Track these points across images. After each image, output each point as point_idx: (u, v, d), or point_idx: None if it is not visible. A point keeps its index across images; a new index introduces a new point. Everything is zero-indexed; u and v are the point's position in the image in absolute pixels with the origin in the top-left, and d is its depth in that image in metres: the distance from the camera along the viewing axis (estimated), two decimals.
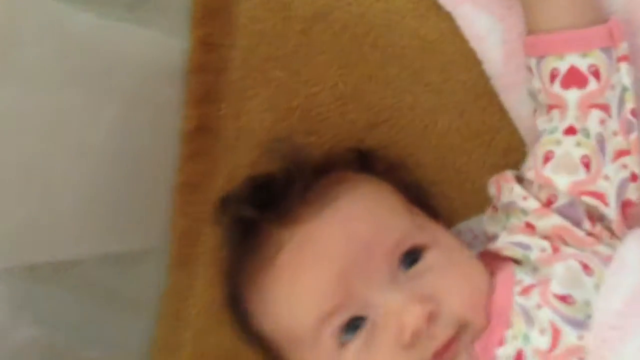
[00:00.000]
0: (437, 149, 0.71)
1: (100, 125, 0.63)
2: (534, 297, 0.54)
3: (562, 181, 0.57)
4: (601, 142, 0.57)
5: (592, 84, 0.56)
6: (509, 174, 0.62)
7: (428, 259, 0.57)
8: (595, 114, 0.57)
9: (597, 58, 0.56)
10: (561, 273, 0.55)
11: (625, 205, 0.58)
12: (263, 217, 0.60)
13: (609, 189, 0.57)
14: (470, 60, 0.68)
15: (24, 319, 0.61)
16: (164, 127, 0.73)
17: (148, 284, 0.75)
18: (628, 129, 0.57)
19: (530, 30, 0.61)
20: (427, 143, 0.71)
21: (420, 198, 0.66)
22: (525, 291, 0.55)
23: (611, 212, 0.57)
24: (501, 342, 0.53)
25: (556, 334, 0.52)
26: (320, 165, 0.64)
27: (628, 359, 0.49)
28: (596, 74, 0.57)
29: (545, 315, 0.53)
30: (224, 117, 0.73)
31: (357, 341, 0.55)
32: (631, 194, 0.58)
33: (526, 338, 0.53)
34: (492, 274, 0.58)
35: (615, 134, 0.57)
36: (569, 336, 0.52)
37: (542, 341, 0.52)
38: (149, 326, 0.75)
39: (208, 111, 0.73)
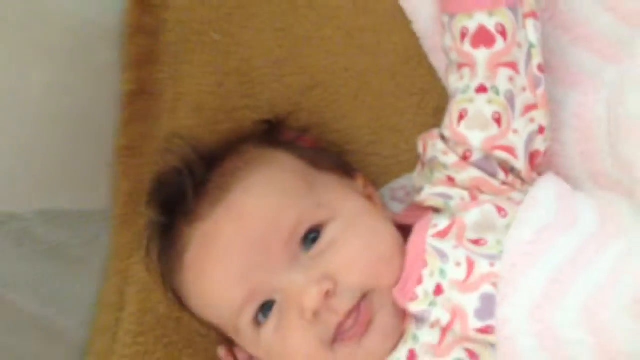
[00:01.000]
0: (371, 110, 0.74)
1: (33, 83, 0.67)
2: (450, 240, 0.59)
3: (476, 138, 0.60)
4: (510, 98, 0.60)
5: (499, 43, 0.59)
6: (435, 132, 0.65)
7: (328, 235, 0.60)
8: (504, 72, 0.59)
9: (503, 16, 0.59)
10: (476, 217, 0.59)
11: (533, 156, 0.62)
12: (169, 218, 0.64)
13: (518, 142, 0.60)
14: (400, 20, 0.72)
15: None
16: (105, 89, 0.76)
17: (94, 243, 0.78)
18: (535, 84, 0.60)
19: None
20: (362, 104, 0.75)
21: (334, 160, 0.69)
22: (441, 234, 0.59)
23: (520, 163, 0.61)
24: (419, 281, 0.58)
25: (470, 266, 0.57)
26: (222, 147, 0.67)
27: (535, 281, 0.54)
28: (503, 33, 0.59)
29: (461, 253, 0.58)
30: (161, 81, 0.76)
31: (270, 322, 0.60)
32: (539, 145, 0.61)
33: (442, 272, 0.58)
34: (413, 225, 0.62)
35: (523, 89, 0.60)
36: (483, 266, 0.57)
37: (457, 272, 0.57)
38: (95, 283, 0.78)
39: (146, 74, 0.76)
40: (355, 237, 0.59)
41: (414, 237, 0.61)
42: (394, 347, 0.59)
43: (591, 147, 0.64)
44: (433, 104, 0.73)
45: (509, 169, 0.61)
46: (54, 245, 0.74)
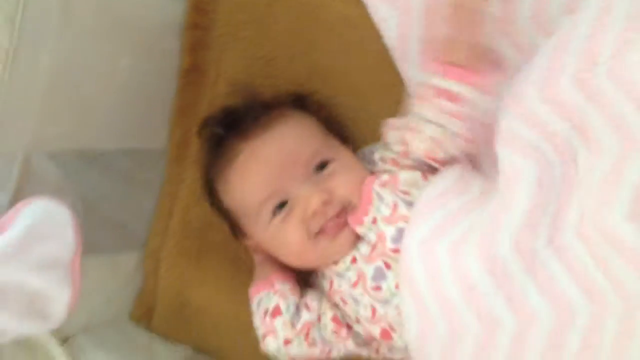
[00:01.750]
0: (356, 95, 0.96)
1: (120, 66, 0.90)
2: (388, 189, 0.83)
3: (418, 149, 0.82)
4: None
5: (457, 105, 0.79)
6: (393, 121, 0.87)
7: (331, 167, 0.86)
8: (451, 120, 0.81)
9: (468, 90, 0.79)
10: (406, 176, 0.84)
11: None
12: (228, 134, 0.90)
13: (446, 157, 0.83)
14: (377, 35, 0.93)
15: (72, 190, 0.89)
16: (168, 67, 1.00)
17: (155, 172, 1.03)
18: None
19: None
20: (350, 91, 0.96)
21: (336, 129, 0.94)
22: (383, 184, 0.84)
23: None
24: (366, 213, 0.82)
25: (395, 207, 0.81)
26: (269, 103, 0.92)
27: (428, 225, 0.77)
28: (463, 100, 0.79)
29: (391, 198, 0.82)
30: (209, 61, 0.99)
31: (281, 215, 0.84)
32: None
33: (378, 209, 0.82)
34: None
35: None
36: (402, 209, 0.80)
37: (386, 210, 0.81)
38: (154, 200, 1.03)
39: (198, 57, 0.99)
40: (347, 171, 0.85)
41: (366, 184, 0.85)
42: (349, 250, 0.83)
43: None
44: (399, 95, 0.91)
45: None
46: (128, 172, 0.96)
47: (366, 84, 0.96)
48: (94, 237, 0.90)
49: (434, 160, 0.83)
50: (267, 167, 0.85)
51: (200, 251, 1.00)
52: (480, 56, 0.80)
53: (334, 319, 0.85)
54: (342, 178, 0.85)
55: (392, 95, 0.94)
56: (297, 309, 0.86)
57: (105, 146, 0.93)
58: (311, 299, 0.87)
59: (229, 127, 0.90)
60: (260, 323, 0.87)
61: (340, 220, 0.83)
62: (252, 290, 0.91)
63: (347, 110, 0.96)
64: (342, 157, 0.88)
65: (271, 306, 0.87)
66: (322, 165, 0.86)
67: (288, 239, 0.84)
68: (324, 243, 0.83)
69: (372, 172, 0.88)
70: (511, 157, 0.72)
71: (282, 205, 0.84)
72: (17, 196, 0.79)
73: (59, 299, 0.73)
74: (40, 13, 0.78)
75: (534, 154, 0.71)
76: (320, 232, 0.83)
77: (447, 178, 0.83)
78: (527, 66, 0.75)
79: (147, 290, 1.03)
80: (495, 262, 0.70)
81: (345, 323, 0.86)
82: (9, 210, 0.72)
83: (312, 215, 0.82)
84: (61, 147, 0.86)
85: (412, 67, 0.92)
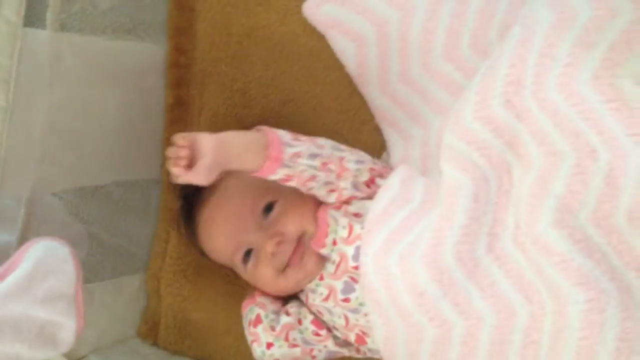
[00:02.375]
0: (323, 119, 1.04)
1: (110, 102, 0.96)
2: (341, 211, 0.91)
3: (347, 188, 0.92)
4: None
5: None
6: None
7: (276, 209, 0.92)
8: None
9: None
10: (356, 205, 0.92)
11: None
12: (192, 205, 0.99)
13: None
14: (340, 63, 1.01)
15: (76, 220, 0.96)
16: (155, 103, 1.05)
17: (151, 199, 1.08)
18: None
19: None
20: (317, 115, 1.04)
21: None
22: (336, 207, 0.92)
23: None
24: (325, 235, 0.89)
25: (350, 228, 0.88)
26: None
27: (378, 240, 0.82)
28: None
29: (346, 220, 0.89)
30: (192, 96, 1.05)
31: (250, 261, 0.93)
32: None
33: (335, 231, 0.89)
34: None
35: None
36: (357, 229, 0.87)
37: (343, 232, 0.88)
38: (153, 225, 1.08)
39: (181, 92, 1.05)
40: (291, 208, 0.92)
41: (321, 209, 0.92)
42: (318, 271, 0.90)
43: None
44: (363, 116, 1.03)
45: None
46: (126, 202, 1.01)
47: (334, 108, 1.03)
48: (100, 263, 0.98)
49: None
50: (220, 229, 0.94)
51: (196, 271, 1.06)
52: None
53: (314, 322, 0.93)
54: (289, 216, 0.92)
55: (360, 116, 1.02)
56: (277, 315, 0.95)
57: (102, 180, 0.98)
58: (291, 306, 0.95)
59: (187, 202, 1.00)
60: (247, 333, 0.96)
61: (300, 250, 0.90)
62: (242, 307, 1.00)
63: (320, 133, 1.01)
64: (285, 194, 0.93)
65: (253, 316, 0.95)
66: (269, 208, 0.93)
67: (262, 278, 0.92)
68: (293, 273, 0.90)
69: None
70: (452, 172, 0.78)
71: (248, 252, 0.93)
72: (25, 234, 0.86)
73: (66, 326, 0.79)
74: (32, 70, 0.84)
75: (472, 169, 0.77)
76: (288, 265, 0.90)
77: (389, 190, 0.89)
78: (466, 90, 0.82)
79: (151, 309, 1.08)
80: (441, 270, 0.76)
81: (325, 325, 0.93)
82: (16, 252, 0.80)
83: (272, 257, 0.90)
84: (62, 185, 0.90)
85: (373, 90, 1.00)
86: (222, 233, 0.95)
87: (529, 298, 0.73)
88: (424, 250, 0.77)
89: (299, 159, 0.88)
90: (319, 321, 0.94)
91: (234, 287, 1.07)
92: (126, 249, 1.05)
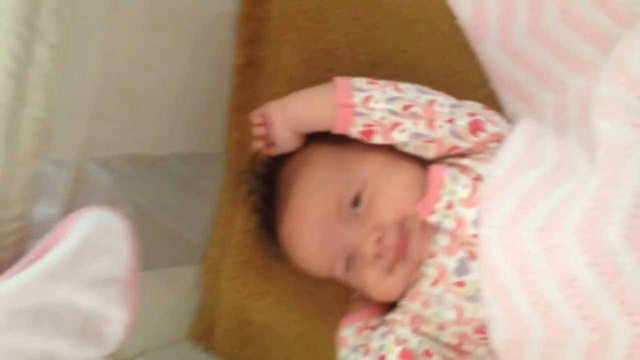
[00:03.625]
0: (424, 84, 0.86)
1: (172, 60, 0.86)
2: (462, 173, 0.76)
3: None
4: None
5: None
6: None
7: (365, 199, 0.78)
8: None
9: None
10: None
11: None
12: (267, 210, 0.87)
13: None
14: (449, 15, 0.86)
15: (126, 199, 0.85)
16: (224, 63, 0.95)
17: (213, 177, 0.98)
18: None
19: None
20: (417, 80, 0.87)
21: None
22: (452, 168, 0.76)
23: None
24: (437, 199, 0.74)
25: (475, 187, 0.74)
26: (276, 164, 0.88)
27: (504, 208, 0.69)
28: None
29: (468, 178, 0.75)
30: (266, 56, 0.94)
31: (354, 267, 0.80)
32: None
33: (453, 192, 0.74)
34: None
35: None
36: (482, 190, 0.73)
37: (464, 192, 0.74)
38: (212, 208, 0.98)
39: (254, 51, 0.94)
40: (380, 193, 0.77)
41: (434, 166, 0.77)
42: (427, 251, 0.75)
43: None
44: (475, 80, 0.87)
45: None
46: (185, 178, 0.93)
47: (438, 70, 0.89)
48: (149, 250, 0.85)
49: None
50: (308, 242, 0.82)
51: (264, 262, 0.94)
52: None
53: (402, 355, 0.78)
54: (382, 201, 0.78)
55: (466, 82, 0.88)
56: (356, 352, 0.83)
57: (159, 151, 0.90)
58: (374, 338, 0.81)
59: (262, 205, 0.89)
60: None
61: (405, 239, 0.76)
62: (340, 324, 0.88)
63: None
64: (372, 174, 0.80)
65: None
66: (356, 200, 0.79)
67: (368, 284, 0.80)
68: (402, 268, 0.77)
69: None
70: (616, 128, 0.63)
71: (349, 259, 0.81)
72: (69, 206, 0.74)
73: (115, 319, 0.67)
74: (87, 7, 0.72)
75: None
76: (397, 260, 0.77)
77: (510, 148, 0.75)
78: (628, 32, 0.66)
79: (207, 307, 0.97)
80: (603, 251, 0.61)
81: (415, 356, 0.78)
82: (60, 222, 0.66)
83: (374, 258, 0.77)
84: (114, 152, 0.82)
85: (490, 47, 0.84)
86: (311, 247, 0.82)
87: None
88: (578, 222, 0.63)
89: (375, 103, 0.79)
90: (408, 352, 0.78)
91: (309, 284, 0.93)
92: (181, 233, 0.96)
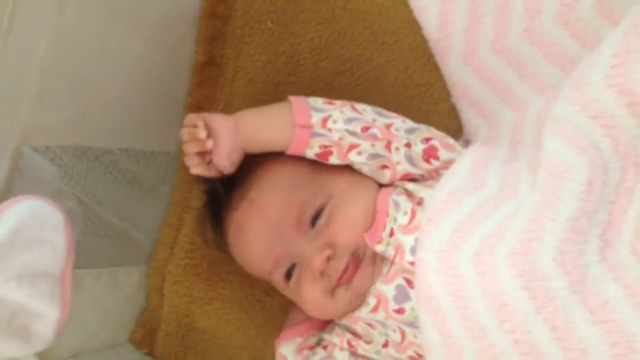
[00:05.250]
0: (386, 95, 0.89)
1: (128, 52, 0.81)
2: (404, 197, 0.75)
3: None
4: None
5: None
6: None
7: (327, 211, 0.77)
8: None
9: None
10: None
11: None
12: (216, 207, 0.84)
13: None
14: (415, 26, 0.86)
15: (69, 193, 0.81)
16: (182, 59, 0.91)
17: (163, 176, 0.94)
18: None
19: None
20: (379, 90, 0.89)
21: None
22: (398, 193, 0.76)
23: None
24: (384, 228, 0.73)
25: (413, 213, 0.72)
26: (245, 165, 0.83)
27: (442, 232, 0.67)
28: None
29: (409, 205, 0.73)
30: (227, 56, 0.91)
31: (293, 279, 0.78)
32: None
33: (395, 219, 0.73)
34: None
35: None
36: (421, 216, 0.71)
37: (404, 219, 0.72)
38: (162, 207, 0.94)
39: (214, 49, 0.91)
40: (342, 212, 0.75)
41: (382, 193, 0.76)
42: (372, 284, 0.74)
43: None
44: (435, 94, 0.87)
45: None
46: (134, 175, 0.88)
47: (401, 82, 0.88)
48: (92, 247, 0.85)
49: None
50: (257, 238, 0.79)
51: (211, 267, 0.92)
52: None
53: None
54: (341, 221, 0.76)
55: (428, 95, 0.87)
56: None
57: (107, 144, 0.84)
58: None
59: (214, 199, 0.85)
60: None
61: (355, 265, 0.74)
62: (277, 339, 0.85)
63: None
64: (336, 190, 0.78)
65: None
66: (317, 214, 0.78)
67: (306, 299, 0.77)
68: (343, 294, 0.75)
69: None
70: (561, 149, 0.62)
71: (291, 268, 0.79)
72: (4, 195, 0.70)
73: (45, 316, 0.64)
74: None
75: (591, 150, 0.62)
76: (336, 285, 0.75)
77: (454, 173, 0.74)
78: (590, 54, 0.66)
79: (151, 310, 0.94)
80: (534, 276, 0.60)
81: None
82: None
83: (320, 275, 0.75)
84: (58, 142, 0.76)
85: (454, 60, 0.84)
86: (259, 244, 0.79)
87: None
88: (511, 245, 0.62)
89: (333, 124, 0.77)
90: None
91: (257, 292, 0.91)
92: (128, 233, 0.91)
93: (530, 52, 0.79)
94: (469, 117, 0.86)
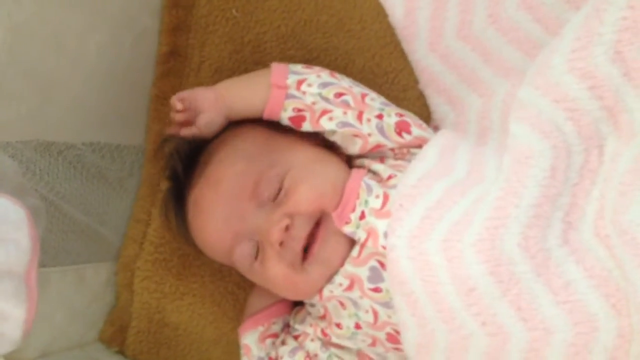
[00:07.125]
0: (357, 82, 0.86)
1: (90, 43, 0.80)
2: (375, 181, 0.74)
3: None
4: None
5: None
6: None
7: (285, 184, 0.74)
8: None
9: None
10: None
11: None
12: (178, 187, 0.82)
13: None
14: (381, 13, 0.85)
15: (32, 189, 0.78)
16: (146, 50, 0.89)
17: (130, 170, 0.92)
18: None
19: None
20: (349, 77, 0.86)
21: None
22: (371, 177, 0.75)
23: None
24: (353, 209, 0.72)
25: (385, 198, 0.72)
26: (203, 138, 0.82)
27: (413, 217, 0.68)
28: None
29: (380, 189, 0.73)
30: (191, 46, 0.90)
31: (258, 259, 0.76)
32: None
33: (366, 202, 0.72)
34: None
35: None
36: (392, 198, 0.71)
37: (376, 202, 0.72)
38: (129, 202, 0.93)
39: (179, 40, 0.89)
40: (302, 181, 0.74)
41: (353, 174, 0.76)
42: (344, 260, 0.73)
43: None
44: (403, 81, 0.87)
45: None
46: (99, 170, 0.86)
47: (368, 69, 0.87)
48: (57, 245, 0.84)
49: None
50: (214, 213, 0.77)
51: (182, 262, 0.90)
52: None
53: None
54: (302, 189, 0.74)
55: (396, 83, 0.87)
56: None
57: (70, 139, 0.82)
58: (285, 354, 0.79)
59: (175, 179, 0.83)
60: None
61: (320, 235, 0.73)
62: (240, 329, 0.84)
63: None
64: (295, 161, 0.77)
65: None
66: (275, 184, 0.75)
67: (274, 278, 0.75)
68: (315, 269, 0.73)
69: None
70: (525, 134, 0.64)
71: (256, 248, 0.76)
72: None
73: (11, 316, 0.62)
74: None
75: (554, 134, 0.63)
76: (305, 258, 0.73)
77: (423, 158, 0.74)
78: (553, 39, 0.67)
79: (120, 307, 0.92)
80: (500, 261, 0.62)
81: None
82: None
83: (280, 248, 0.72)
84: (19, 136, 0.74)
85: (420, 47, 0.84)
86: (215, 220, 0.76)
87: (616, 307, 0.59)
88: (478, 232, 0.64)
89: (307, 87, 0.77)
90: None
91: (229, 283, 0.90)
92: (94, 229, 0.89)
93: (495, 38, 0.79)
94: (437, 104, 0.86)
